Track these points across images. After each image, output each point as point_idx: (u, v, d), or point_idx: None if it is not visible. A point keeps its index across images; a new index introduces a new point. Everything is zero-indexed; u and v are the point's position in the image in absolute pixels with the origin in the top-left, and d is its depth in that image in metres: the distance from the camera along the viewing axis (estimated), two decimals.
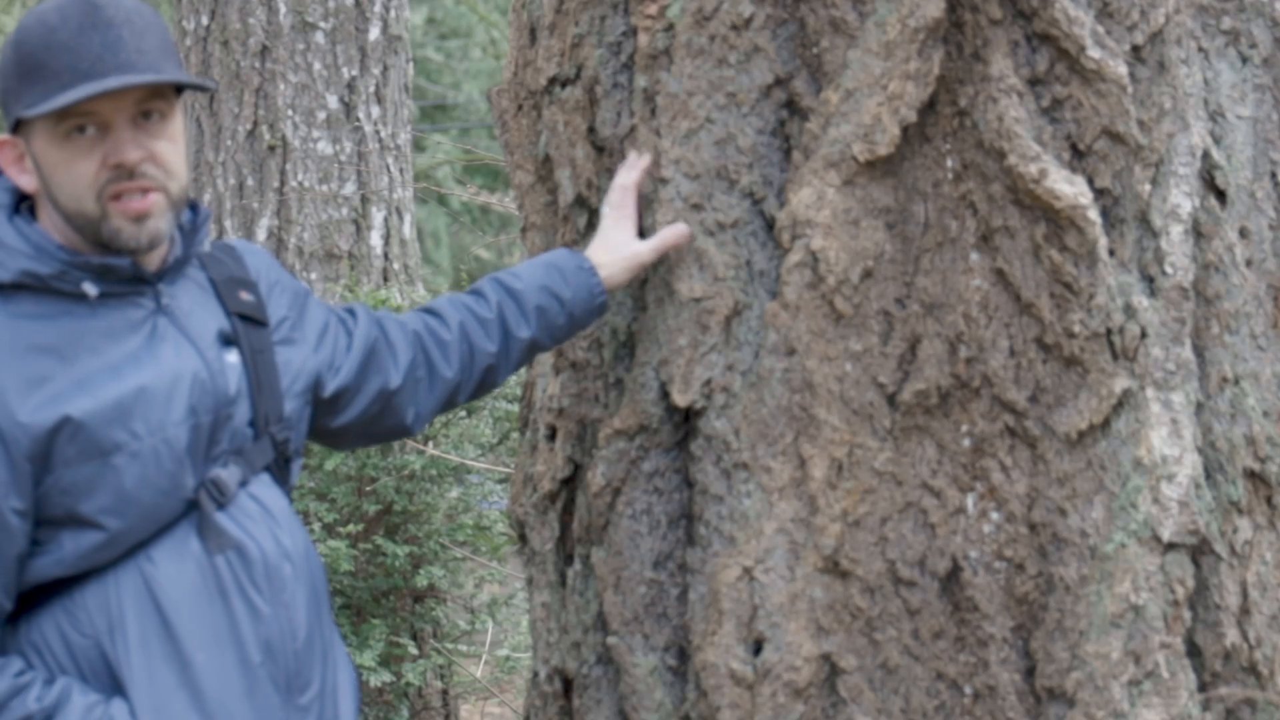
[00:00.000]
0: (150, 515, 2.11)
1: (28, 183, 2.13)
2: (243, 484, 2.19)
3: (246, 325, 2.24)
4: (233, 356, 2.21)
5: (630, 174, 2.52)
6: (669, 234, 2.48)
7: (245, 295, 2.26)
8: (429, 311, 2.49)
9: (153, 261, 2.17)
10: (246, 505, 2.18)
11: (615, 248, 2.52)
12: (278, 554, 2.18)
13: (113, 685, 2.10)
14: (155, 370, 2.11)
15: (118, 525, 2.09)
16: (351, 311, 2.43)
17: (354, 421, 2.40)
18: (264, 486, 2.22)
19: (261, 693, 2.15)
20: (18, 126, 2.12)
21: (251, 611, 2.15)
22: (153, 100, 2.11)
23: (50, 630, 2.10)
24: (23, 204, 2.16)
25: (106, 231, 2.10)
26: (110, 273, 2.11)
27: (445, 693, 5.34)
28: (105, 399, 2.07)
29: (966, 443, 2.39)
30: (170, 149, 2.13)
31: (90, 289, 2.10)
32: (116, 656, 2.09)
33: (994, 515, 2.38)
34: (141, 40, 2.09)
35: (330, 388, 2.35)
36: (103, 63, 2.06)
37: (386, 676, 4.71)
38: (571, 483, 2.68)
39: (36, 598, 2.11)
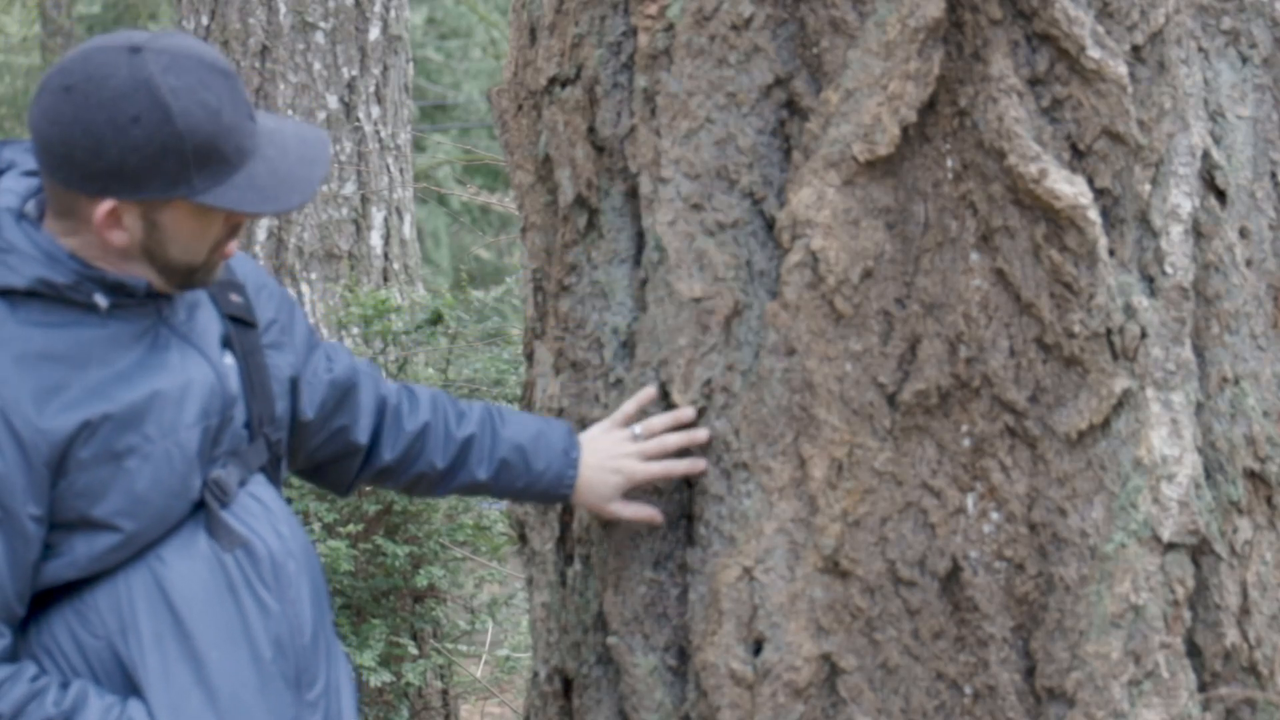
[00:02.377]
0: (161, 517, 2.12)
1: (119, 238, 2.09)
2: (241, 484, 2.20)
3: (238, 327, 2.26)
4: (229, 359, 2.22)
5: (680, 436, 2.45)
6: (644, 511, 2.47)
7: (235, 298, 2.28)
8: (410, 393, 2.49)
9: None
10: (248, 504, 2.20)
11: (602, 487, 2.48)
12: (282, 551, 2.20)
13: (126, 686, 2.11)
14: (166, 376, 2.13)
15: (131, 527, 2.09)
16: (331, 352, 2.44)
17: (306, 453, 2.41)
18: (260, 486, 2.24)
19: (273, 689, 2.16)
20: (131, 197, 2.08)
21: (261, 608, 2.16)
22: None
23: (61, 632, 2.10)
24: (26, 205, 2.16)
25: (202, 274, 2.15)
26: (123, 289, 2.11)
27: (445, 693, 5.34)
28: (121, 404, 2.08)
29: (966, 443, 2.39)
30: None
31: (101, 300, 2.10)
32: (130, 657, 2.10)
33: (994, 515, 2.38)
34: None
35: (305, 409, 2.36)
36: (254, 136, 2.10)
37: (386, 676, 4.70)
38: None
39: (45, 600, 2.11)
